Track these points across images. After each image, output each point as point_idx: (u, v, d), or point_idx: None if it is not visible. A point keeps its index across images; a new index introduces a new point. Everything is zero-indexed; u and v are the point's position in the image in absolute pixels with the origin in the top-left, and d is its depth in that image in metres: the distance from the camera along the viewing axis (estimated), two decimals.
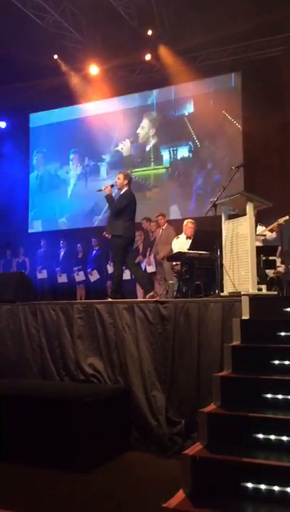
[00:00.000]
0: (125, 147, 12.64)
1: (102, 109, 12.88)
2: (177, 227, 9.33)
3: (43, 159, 13.89)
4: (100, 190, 6.74)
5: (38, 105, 13.50)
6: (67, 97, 12.79)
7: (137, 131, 12.61)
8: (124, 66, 12.14)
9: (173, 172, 12.17)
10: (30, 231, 13.59)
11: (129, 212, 6.54)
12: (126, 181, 6.64)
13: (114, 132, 12.80)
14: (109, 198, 6.58)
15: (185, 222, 8.01)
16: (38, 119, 14.05)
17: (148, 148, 12.54)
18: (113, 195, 6.75)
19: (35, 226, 13.71)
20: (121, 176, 6.72)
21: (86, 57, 11.92)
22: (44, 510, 3.65)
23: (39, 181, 13.92)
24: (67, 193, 13.44)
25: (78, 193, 13.26)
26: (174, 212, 11.79)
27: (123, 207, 6.50)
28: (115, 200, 6.64)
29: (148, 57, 11.65)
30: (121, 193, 6.70)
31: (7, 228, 12.93)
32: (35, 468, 4.47)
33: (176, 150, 12.11)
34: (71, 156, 13.44)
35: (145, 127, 12.60)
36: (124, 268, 7.03)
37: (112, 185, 6.69)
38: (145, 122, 12.60)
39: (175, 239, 8.18)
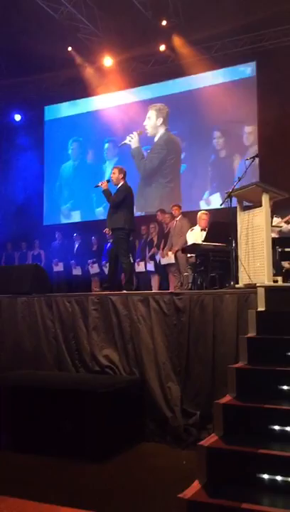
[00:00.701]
0: (134, 139, 12.61)
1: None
2: (192, 218, 9.31)
3: (79, 148, 13.60)
4: (97, 186, 6.91)
5: (52, 97, 13.52)
6: (82, 90, 12.78)
7: (144, 123, 12.56)
8: (138, 57, 12.08)
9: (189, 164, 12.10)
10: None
11: (127, 204, 6.72)
12: (121, 175, 6.82)
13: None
14: (106, 193, 6.77)
15: (199, 213, 7.98)
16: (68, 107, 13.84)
17: (156, 140, 12.53)
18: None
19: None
20: (116, 171, 6.88)
21: (100, 49, 11.89)
22: (59, 500, 3.67)
23: (76, 171, 13.61)
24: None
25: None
26: (187, 204, 11.76)
27: (121, 200, 6.66)
28: (113, 195, 6.77)
29: (162, 48, 11.57)
30: (118, 187, 6.84)
31: (22, 221, 13.03)
32: (51, 458, 4.51)
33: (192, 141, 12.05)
34: (106, 146, 13.27)
35: (152, 118, 12.55)
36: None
37: (108, 181, 6.87)
38: (152, 113, 12.55)
39: (189, 231, 8.15)
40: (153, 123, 12.56)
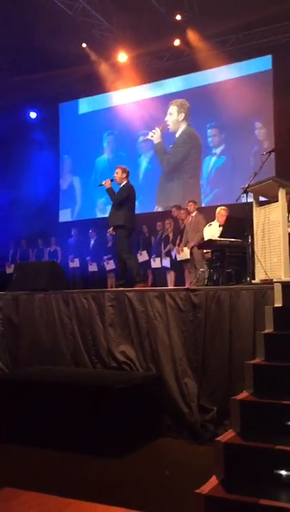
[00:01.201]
0: (156, 135, 12.59)
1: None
2: (207, 214, 9.28)
3: (114, 141, 13.43)
4: (101, 185, 7.08)
5: (67, 94, 13.56)
6: (97, 86, 12.79)
7: (165, 119, 12.52)
8: (153, 53, 12.06)
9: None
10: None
11: (129, 203, 6.91)
12: (124, 175, 7.04)
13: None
14: (109, 191, 6.97)
15: (218, 209, 7.93)
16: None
17: (177, 135, 12.47)
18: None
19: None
20: (119, 171, 7.07)
21: (114, 45, 11.89)
22: (77, 494, 3.71)
23: (110, 164, 13.30)
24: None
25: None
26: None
27: (123, 198, 6.86)
28: (116, 193, 6.97)
29: (176, 42, 11.53)
30: (121, 186, 7.03)
31: (38, 218, 13.11)
32: (69, 453, 4.56)
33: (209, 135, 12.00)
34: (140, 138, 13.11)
35: (173, 113, 12.50)
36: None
37: (112, 180, 7.03)
38: (173, 109, 12.50)
39: (207, 226, 8.12)
40: (175, 118, 12.53)
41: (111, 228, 7.06)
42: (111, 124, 13.37)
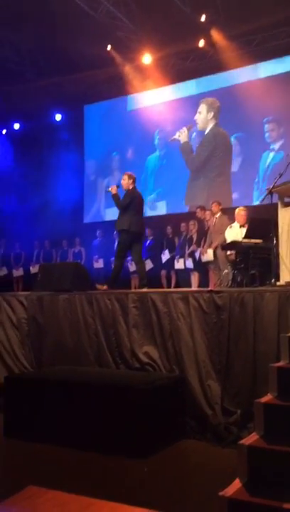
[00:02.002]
0: (183, 135, 12.58)
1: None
2: (231, 215, 9.22)
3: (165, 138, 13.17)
4: (108, 191, 7.31)
5: (92, 96, 13.66)
6: (122, 88, 12.85)
7: (195, 117, 12.50)
8: (177, 54, 12.05)
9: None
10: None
11: (133, 208, 7.09)
12: (131, 181, 7.23)
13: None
14: (114, 197, 7.19)
15: (237, 210, 7.89)
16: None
17: (206, 133, 12.45)
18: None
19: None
20: (125, 177, 7.27)
21: (139, 47, 11.92)
22: (99, 494, 3.72)
23: (162, 161, 13.29)
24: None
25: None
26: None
27: (127, 204, 7.05)
28: (121, 199, 7.18)
29: (201, 43, 11.49)
30: (127, 191, 7.25)
31: (63, 219, 13.24)
32: (91, 454, 4.57)
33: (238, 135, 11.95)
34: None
35: (203, 112, 12.47)
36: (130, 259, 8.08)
37: (118, 186, 7.24)
38: (203, 107, 12.47)
39: (228, 228, 8.08)
40: (204, 117, 12.48)
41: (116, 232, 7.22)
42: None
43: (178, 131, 11.99)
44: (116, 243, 11.77)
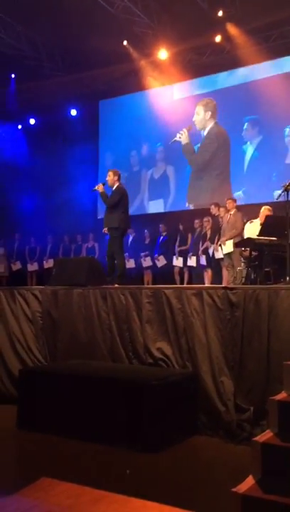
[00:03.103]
0: (183, 135, 12.51)
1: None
2: (246, 212, 9.18)
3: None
4: (94, 190, 7.42)
5: (107, 92, 13.66)
6: (138, 83, 12.82)
7: (193, 119, 12.46)
8: (194, 49, 11.99)
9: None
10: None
11: (122, 205, 7.17)
12: (116, 177, 7.30)
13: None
14: (102, 195, 7.27)
15: (263, 208, 7.73)
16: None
17: (205, 134, 12.42)
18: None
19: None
20: (110, 174, 7.34)
21: (155, 42, 11.88)
22: (112, 487, 3.75)
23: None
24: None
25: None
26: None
27: (116, 201, 7.13)
28: (109, 196, 7.23)
29: (218, 38, 11.42)
30: (113, 188, 7.28)
31: (77, 214, 13.29)
32: (104, 447, 4.61)
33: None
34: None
35: (200, 113, 12.47)
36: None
37: (104, 184, 7.30)
38: (200, 108, 12.47)
39: (248, 223, 7.98)
40: (202, 117, 12.54)
41: (106, 229, 7.32)
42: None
43: (178, 133, 11.97)
44: (130, 239, 11.90)
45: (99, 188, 7.28)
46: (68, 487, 3.80)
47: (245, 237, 7.54)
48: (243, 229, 8.32)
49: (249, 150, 12.00)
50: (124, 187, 7.40)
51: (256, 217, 7.80)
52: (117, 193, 7.21)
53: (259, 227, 7.44)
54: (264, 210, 7.66)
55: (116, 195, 7.18)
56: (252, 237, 6.86)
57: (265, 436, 3.32)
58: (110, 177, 7.31)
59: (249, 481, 3.05)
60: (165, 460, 4.39)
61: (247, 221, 8.18)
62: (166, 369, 5.38)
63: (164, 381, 4.87)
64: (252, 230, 7.52)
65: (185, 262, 10.67)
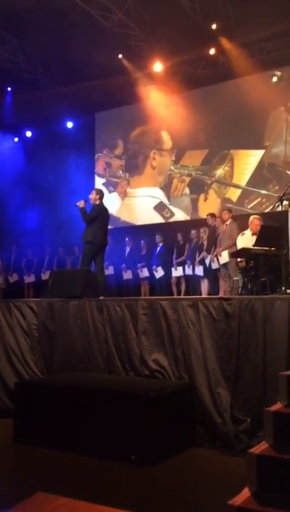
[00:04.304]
0: None
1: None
2: (241, 222, 9.22)
3: None
4: (76, 205, 7.74)
5: (103, 104, 13.75)
6: (132, 96, 12.92)
7: None
8: (188, 61, 12.09)
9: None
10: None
11: (99, 221, 7.63)
12: (98, 196, 7.83)
13: None
14: (81, 211, 7.69)
15: (251, 218, 7.89)
16: None
17: None
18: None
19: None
20: (94, 192, 7.88)
21: (150, 55, 11.98)
22: (109, 501, 3.72)
23: None
24: None
25: None
26: None
27: (92, 218, 7.60)
28: (88, 213, 7.68)
29: (212, 51, 11.53)
30: (93, 206, 7.79)
31: (74, 226, 13.27)
32: (100, 460, 4.58)
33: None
34: None
35: None
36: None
37: (86, 201, 7.75)
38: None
39: (240, 235, 8.08)
40: None
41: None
42: None
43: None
44: (127, 250, 11.92)
45: (81, 204, 7.69)
46: (65, 502, 3.75)
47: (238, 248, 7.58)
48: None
49: None
50: (104, 205, 7.91)
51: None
52: (95, 210, 7.70)
53: (250, 238, 7.49)
54: (254, 220, 7.73)
55: (93, 213, 7.66)
56: (248, 247, 6.88)
57: (260, 447, 3.31)
58: (93, 195, 7.82)
59: (245, 493, 3.03)
60: (162, 472, 4.36)
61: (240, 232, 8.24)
62: (163, 380, 5.37)
63: (161, 393, 4.85)
64: (244, 241, 7.56)
65: (183, 272, 10.68)
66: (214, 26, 10.86)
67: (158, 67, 12.15)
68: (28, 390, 5.59)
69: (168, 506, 3.68)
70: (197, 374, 5.15)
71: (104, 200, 8.01)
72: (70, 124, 14.55)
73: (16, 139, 15.16)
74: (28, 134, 14.99)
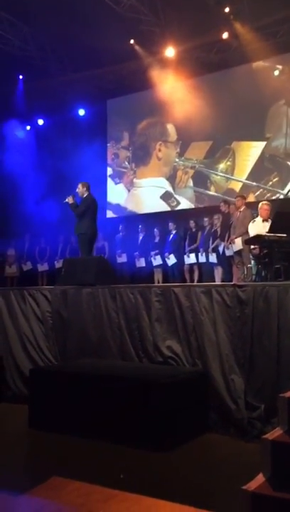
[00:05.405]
0: None
1: None
2: (256, 209, 9.13)
3: None
4: (65, 202, 7.95)
5: (115, 91, 13.64)
6: (145, 82, 12.78)
7: None
8: (201, 46, 11.92)
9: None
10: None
11: (89, 213, 7.82)
12: (84, 188, 7.98)
13: None
14: (71, 206, 7.90)
15: (260, 204, 7.79)
16: None
17: None
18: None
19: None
20: (80, 186, 8.01)
21: (162, 40, 11.83)
22: (123, 486, 3.75)
23: None
24: None
25: None
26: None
27: (82, 211, 7.79)
28: (77, 206, 7.85)
29: (225, 35, 11.34)
30: (82, 198, 7.94)
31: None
32: (115, 445, 4.62)
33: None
34: None
35: None
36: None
37: (74, 196, 7.93)
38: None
39: (251, 222, 7.98)
40: None
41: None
42: None
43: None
44: (140, 238, 11.90)
45: (69, 200, 7.89)
46: (79, 486, 3.80)
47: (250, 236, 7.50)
48: None
49: None
50: (93, 196, 8.01)
51: None
52: (84, 203, 7.86)
53: (261, 225, 7.41)
54: (263, 205, 7.65)
55: (83, 206, 7.83)
56: (261, 233, 6.81)
57: (275, 433, 3.30)
58: (80, 189, 7.98)
59: (259, 478, 3.03)
60: (176, 458, 4.38)
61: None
62: (176, 367, 5.38)
63: (174, 379, 4.87)
64: (256, 228, 7.49)
65: (197, 259, 10.63)
66: (227, 9, 10.68)
67: (170, 52, 11.99)
68: (43, 377, 5.64)
69: (181, 491, 3.70)
70: (210, 361, 5.15)
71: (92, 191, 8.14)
72: (81, 112, 14.46)
73: (28, 127, 15.13)
74: (40, 122, 14.94)
